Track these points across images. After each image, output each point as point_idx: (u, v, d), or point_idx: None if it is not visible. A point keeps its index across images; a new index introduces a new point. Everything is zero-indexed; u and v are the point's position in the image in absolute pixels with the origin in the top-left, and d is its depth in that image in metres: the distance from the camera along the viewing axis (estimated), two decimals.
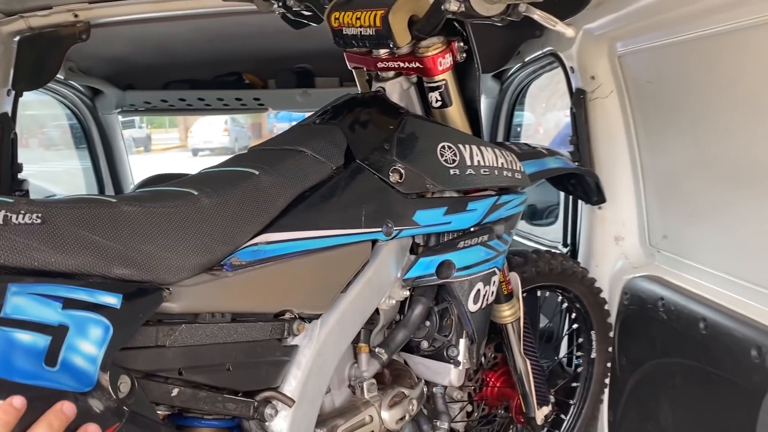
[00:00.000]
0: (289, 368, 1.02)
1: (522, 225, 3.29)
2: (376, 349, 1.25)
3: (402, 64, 1.38)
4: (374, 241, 1.20)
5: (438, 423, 1.38)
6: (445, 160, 1.28)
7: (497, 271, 1.42)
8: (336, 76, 2.86)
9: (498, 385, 2.01)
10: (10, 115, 2.02)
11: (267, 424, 0.96)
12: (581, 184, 2.12)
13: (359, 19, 1.31)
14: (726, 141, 1.70)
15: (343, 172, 1.15)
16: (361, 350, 1.23)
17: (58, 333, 0.68)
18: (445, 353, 1.34)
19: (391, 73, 1.42)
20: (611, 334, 2.19)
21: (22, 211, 0.71)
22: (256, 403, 0.94)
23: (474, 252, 1.34)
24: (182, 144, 20.80)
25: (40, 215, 0.73)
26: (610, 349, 2.20)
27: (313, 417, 1.03)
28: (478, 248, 1.35)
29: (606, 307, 2.17)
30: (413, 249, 1.30)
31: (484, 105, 3.11)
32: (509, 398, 2.01)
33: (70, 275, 0.73)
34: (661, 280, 2.00)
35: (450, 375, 1.34)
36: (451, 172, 1.28)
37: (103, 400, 0.71)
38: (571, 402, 2.25)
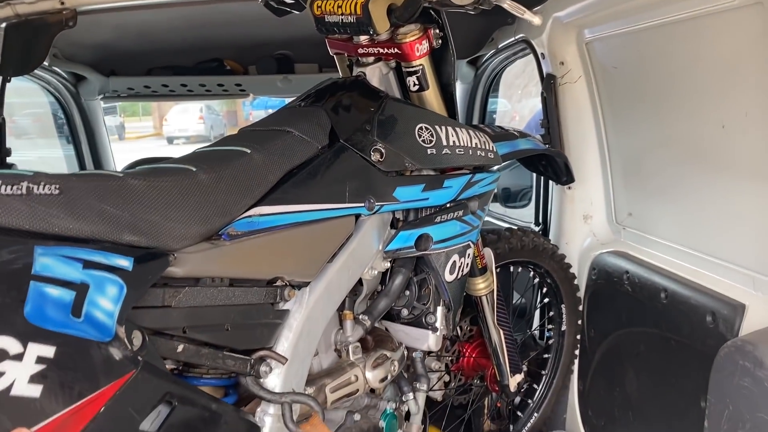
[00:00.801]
0: (282, 330, 1.11)
1: (497, 207, 3.40)
2: (360, 316, 1.34)
3: (381, 50, 1.46)
4: (357, 216, 1.29)
5: (418, 385, 1.49)
6: (423, 141, 1.37)
7: (472, 245, 1.52)
8: (315, 63, 2.92)
9: (474, 355, 2.12)
10: None
11: (262, 380, 1.05)
12: (552, 166, 2.23)
13: (340, 7, 1.39)
14: (682, 122, 1.82)
15: (328, 152, 1.24)
16: (346, 317, 1.32)
17: (80, 289, 0.76)
18: (423, 320, 1.44)
19: (371, 59, 1.50)
20: (580, 307, 2.31)
21: (42, 183, 0.79)
22: (252, 360, 1.03)
23: (450, 226, 1.44)
24: (157, 132, 20.62)
25: (58, 187, 0.80)
26: (579, 322, 2.32)
27: (304, 374, 1.12)
28: (453, 223, 1.45)
29: (575, 282, 2.29)
30: (394, 223, 1.39)
31: (460, 90, 3.20)
32: (484, 368, 2.13)
33: (85, 241, 0.81)
34: (626, 255, 2.13)
35: (428, 340, 1.45)
36: (428, 151, 1.37)
37: (121, 350, 0.79)
38: (543, 372, 2.37)
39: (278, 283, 1.10)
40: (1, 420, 0.63)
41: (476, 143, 1.49)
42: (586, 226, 2.36)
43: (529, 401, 2.37)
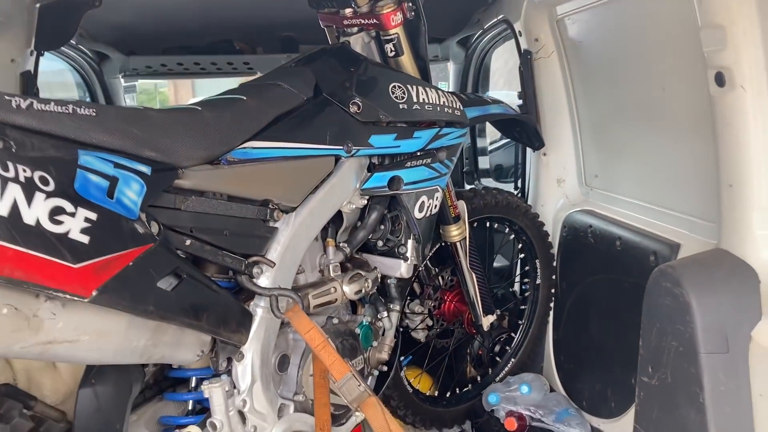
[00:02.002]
0: (271, 243, 1.35)
1: (489, 182, 3.62)
2: (341, 244, 1.59)
3: (363, 21, 1.71)
4: (337, 158, 1.54)
5: (391, 306, 1.74)
6: (396, 97, 1.61)
7: (440, 189, 1.76)
8: (317, 44, 3.16)
9: (454, 301, 2.36)
10: (32, 72, 2.33)
11: (254, 279, 1.30)
12: (526, 132, 2.46)
13: None
14: (635, 88, 2.05)
15: (312, 102, 1.48)
16: (329, 244, 1.57)
17: (112, 180, 1.01)
18: (396, 251, 1.69)
19: (355, 29, 1.75)
20: (554, 263, 2.55)
21: (83, 106, 1.04)
22: (246, 261, 1.28)
23: (419, 171, 1.68)
24: None
25: (95, 110, 1.05)
26: (553, 277, 2.55)
27: (289, 280, 1.37)
28: (422, 168, 1.69)
29: (549, 239, 2.52)
30: (370, 167, 1.64)
31: (453, 70, 3.44)
32: (462, 313, 2.37)
33: (115, 152, 1.06)
34: (592, 213, 2.36)
35: (401, 268, 1.69)
36: (401, 106, 1.61)
37: (143, 228, 1.04)
38: (520, 322, 2.61)
39: (269, 206, 1.35)
40: (63, 254, 0.88)
41: (444, 101, 1.73)
42: (560, 189, 2.58)
43: (507, 348, 2.61)
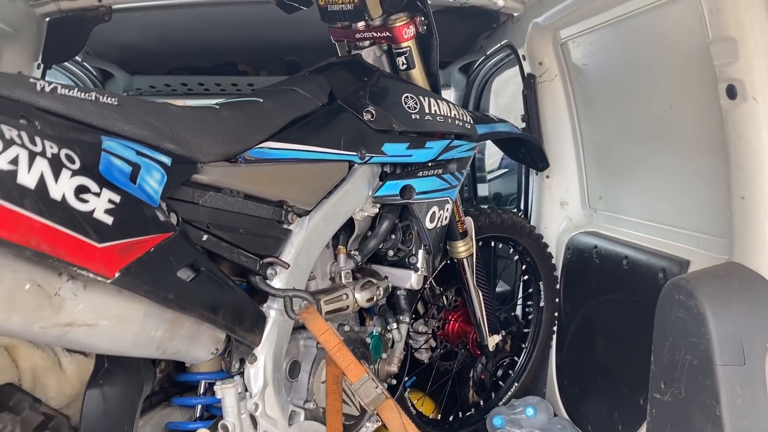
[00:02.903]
0: (285, 245, 1.33)
1: None
2: (352, 252, 1.57)
3: (375, 34, 1.73)
4: (351, 164, 1.53)
5: (401, 318, 1.71)
6: (408, 107, 1.62)
7: (450, 201, 1.76)
8: None
9: (458, 321, 2.34)
10: None
11: (268, 280, 1.28)
12: (530, 154, 2.48)
13: None
14: (639, 108, 2.07)
15: (327, 108, 1.49)
16: (340, 251, 1.55)
17: (135, 166, 0.99)
18: (407, 261, 1.67)
19: (367, 43, 1.77)
20: (557, 286, 2.53)
21: (105, 95, 1.03)
22: (261, 261, 1.26)
23: (430, 181, 1.68)
24: None
25: (117, 100, 1.05)
26: (557, 299, 2.54)
27: (302, 283, 1.35)
28: (433, 179, 1.69)
29: (552, 261, 2.52)
30: (382, 176, 1.64)
31: (454, 98, 3.47)
32: (467, 334, 2.34)
33: (136, 141, 1.05)
34: (596, 234, 2.36)
35: (411, 279, 1.67)
36: (413, 116, 1.62)
37: (164, 216, 1.03)
38: (524, 346, 2.58)
39: (284, 207, 1.34)
40: (88, 232, 0.86)
41: (455, 114, 1.74)
42: (563, 211, 2.59)
43: (511, 372, 2.57)
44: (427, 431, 2.24)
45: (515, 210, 3.07)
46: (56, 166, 0.85)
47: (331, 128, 1.46)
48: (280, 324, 1.28)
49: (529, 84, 2.55)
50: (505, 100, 4.26)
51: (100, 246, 0.88)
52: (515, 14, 2.52)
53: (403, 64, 1.74)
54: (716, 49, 1.49)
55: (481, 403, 2.53)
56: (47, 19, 2.31)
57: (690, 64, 1.72)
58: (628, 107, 2.15)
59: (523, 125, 2.62)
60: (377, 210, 1.61)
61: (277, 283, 1.28)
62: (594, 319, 2.32)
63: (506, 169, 4.14)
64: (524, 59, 2.56)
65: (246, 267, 1.24)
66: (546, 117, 2.56)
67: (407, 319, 1.72)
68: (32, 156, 0.82)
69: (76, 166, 0.88)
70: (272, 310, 1.28)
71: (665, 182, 2.01)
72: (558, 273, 2.53)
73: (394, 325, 1.69)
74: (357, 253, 1.58)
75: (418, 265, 1.67)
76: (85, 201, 0.88)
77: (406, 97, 1.63)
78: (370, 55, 1.77)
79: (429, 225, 1.67)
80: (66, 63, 2.76)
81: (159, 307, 1.03)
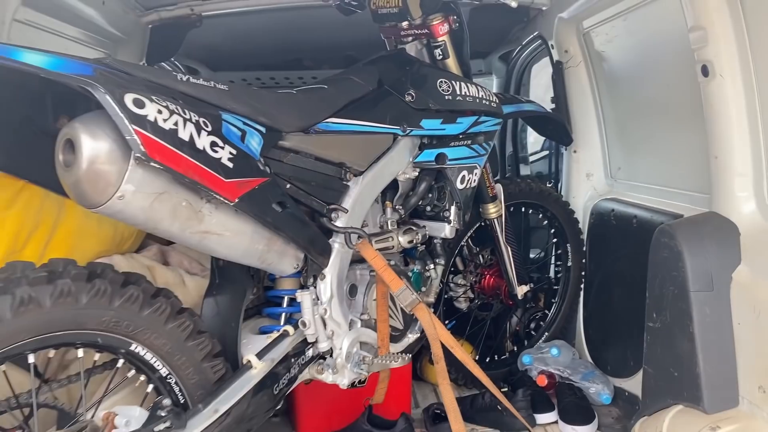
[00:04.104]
0: (345, 196, 1.75)
1: None
2: (397, 207, 1.98)
3: (416, 31, 2.12)
4: (395, 137, 1.94)
5: (437, 261, 2.11)
6: (442, 90, 2.01)
7: (478, 166, 2.14)
8: None
9: (492, 276, 2.72)
10: None
11: (332, 221, 1.70)
12: (556, 130, 2.83)
13: (388, 2, 2.07)
14: (650, 89, 2.40)
15: (376, 91, 1.90)
16: (387, 206, 1.97)
17: (243, 131, 1.42)
18: (441, 215, 2.07)
19: (410, 38, 2.16)
20: (584, 248, 2.87)
21: (219, 83, 1.48)
22: (327, 207, 1.68)
23: (461, 150, 2.07)
24: None
25: (227, 86, 1.49)
26: (583, 260, 2.88)
27: (358, 225, 1.77)
28: (463, 148, 2.08)
29: (579, 226, 2.86)
30: (421, 146, 2.04)
31: (496, 84, 3.83)
32: (500, 287, 2.71)
33: (242, 115, 1.49)
34: (615, 200, 2.69)
35: (445, 230, 2.07)
36: (446, 97, 2.01)
37: (262, 166, 1.46)
38: (554, 301, 2.94)
39: (344, 167, 1.76)
40: (219, 170, 1.30)
41: (482, 95, 2.12)
42: (589, 182, 2.92)
43: (542, 324, 2.94)
44: (464, 367, 2.64)
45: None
46: (198, 128, 1.29)
47: (380, 107, 1.87)
48: (341, 253, 1.71)
49: (557, 70, 2.90)
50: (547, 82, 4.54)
51: (226, 180, 1.32)
52: (544, 8, 2.87)
53: (439, 55, 2.14)
54: (692, 36, 1.82)
55: (515, 349, 2.90)
56: (150, 26, 2.82)
57: (685, 50, 2.05)
58: (639, 88, 2.48)
59: (553, 106, 2.96)
60: (417, 173, 2.02)
61: (339, 223, 1.71)
62: (613, 274, 2.66)
63: (547, 151, 4.45)
64: (552, 48, 2.91)
65: (316, 210, 1.67)
66: (572, 99, 2.90)
67: (442, 262, 2.12)
68: (184, 121, 1.26)
69: (209, 129, 1.32)
70: (336, 243, 1.71)
71: (668, 151, 2.34)
72: (584, 236, 2.87)
73: (431, 266, 2.09)
74: (401, 207, 1.99)
75: (451, 218, 2.06)
76: (216, 151, 1.31)
77: (441, 81, 2.02)
78: (412, 48, 2.17)
79: (459, 186, 2.07)
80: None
81: (261, 227, 1.46)
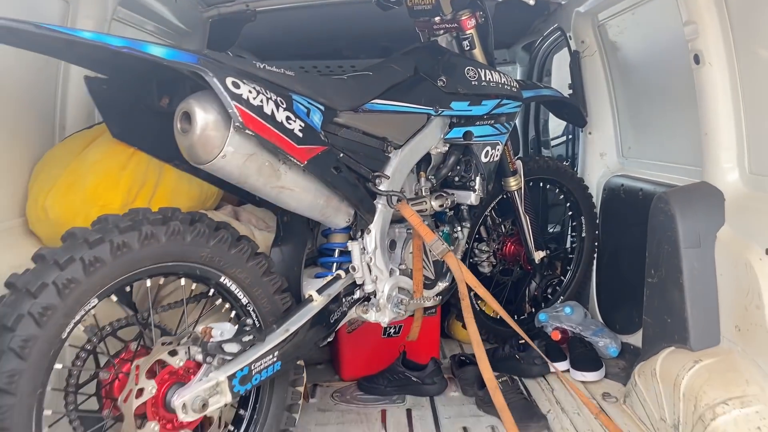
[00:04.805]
0: (386, 165, 2.07)
1: None
2: (429, 177, 2.32)
3: (447, 25, 2.44)
4: (429, 116, 2.27)
5: (464, 224, 2.43)
6: (469, 76, 2.33)
7: (500, 143, 2.46)
8: None
9: (513, 244, 3.04)
10: None
11: (376, 186, 2.03)
12: (572, 114, 3.13)
13: (423, 0, 2.40)
14: (657, 77, 2.69)
15: (413, 78, 2.22)
16: (422, 176, 2.30)
17: (308, 109, 1.76)
18: (467, 184, 2.39)
19: (441, 31, 2.48)
20: (597, 220, 3.18)
21: (287, 69, 1.82)
22: (372, 173, 2.02)
23: (485, 128, 2.39)
24: None
25: (293, 72, 1.83)
26: (596, 231, 3.19)
27: (397, 189, 2.10)
28: (488, 127, 2.40)
29: (592, 200, 3.16)
30: (451, 125, 2.36)
31: (520, 72, 4.13)
32: (520, 254, 3.04)
33: (305, 96, 1.83)
34: (625, 176, 2.99)
35: (471, 197, 2.39)
36: (473, 83, 2.33)
37: (323, 137, 1.80)
38: (569, 268, 3.25)
39: (386, 141, 2.10)
40: (293, 138, 1.64)
41: (504, 81, 2.44)
42: (602, 160, 3.22)
43: (558, 288, 3.25)
44: (487, 324, 2.97)
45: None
46: (276, 105, 1.63)
47: (416, 91, 2.20)
48: (383, 212, 2.04)
49: (575, 59, 3.19)
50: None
51: (298, 146, 1.65)
52: (562, 2, 3.17)
53: (467, 46, 2.46)
54: (686, 29, 2.12)
55: (533, 311, 3.23)
56: (210, 20, 3.18)
57: (682, 41, 2.34)
58: (647, 75, 2.77)
59: (570, 92, 3.26)
60: (447, 148, 2.34)
61: (382, 187, 2.05)
62: (622, 244, 2.96)
63: (565, 137, 4.74)
64: (570, 39, 3.20)
65: (363, 176, 2.01)
66: (588, 85, 3.19)
67: (468, 226, 2.44)
68: (267, 99, 1.60)
69: (284, 106, 1.66)
70: (379, 204, 2.05)
71: (670, 131, 2.63)
72: (597, 210, 3.18)
73: (458, 229, 2.42)
74: (433, 177, 2.32)
75: (476, 187, 2.39)
76: (290, 124, 1.65)
77: (468, 69, 2.34)
78: (443, 40, 2.49)
79: (484, 159, 2.39)
80: None
81: (322, 186, 1.80)
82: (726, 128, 2.07)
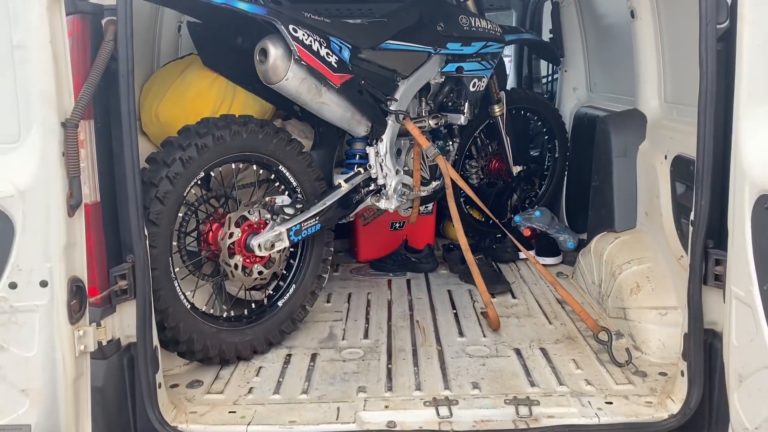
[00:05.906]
0: (397, 90, 2.77)
1: None
2: (429, 102, 3.03)
3: None
4: (429, 54, 2.96)
5: (454, 140, 3.17)
6: (462, 23, 3.00)
7: (485, 77, 3.16)
8: None
9: (497, 161, 3.78)
10: None
11: (388, 106, 2.76)
12: (548, 53, 3.83)
13: None
14: (618, 25, 3.36)
15: (418, 23, 2.90)
16: (422, 101, 3.02)
17: (340, 47, 2.45)
18: (458, 108, 3.11)
19: None
20: (568, 144, 3.90)
21: (323, 17, 2.51)
22: (386, 97, 2.74)
23: (473, 65, 3.09)
24: None
25: (328, 20, 2.52)
26: (567, 153, 3.91)
27: (404, 109, 2.83)
28: (475, 63, 3.09)
29: (565, 127, 3.88)
30: (446, 60, 3.05)
31: (514, 17, 4.77)
32: (503, 169, 3.79)
33: (337, 37, 2.53)
34: (589, 106, 3.70)
35: (461, 118, 3.11)
36: (464, 28, 3.01)
37: (350, 67, 2.51)
38: (543, 183, 4.00)
39: (396, 72, 2.80)
40: (331, 68, 2.36)
41: (490, 27, 3.11)
42: (575, 94, 3.93)
43: (534, 198, 4.01)
44: (473, 224, 3.75)
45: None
46: (320, 44, 2.33)
47: (420, 34, 2.88)
48: (392, 126, 2.77)
49: (555, 8, 3.85)
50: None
51: (333, 74, 2.37)
52: None
53: None
54: None
55: (513, 217, 3.99)
56: None
57: None
58: (610, 24, 3.44)
59: (551, 36, 3.93)
60: (443, 79, 3.05)
61: (392, 107, 2.77)
62: (585, 161, 3.68)
63: (550, 75, 5.38)
64: None
65: (378, 98, 2.73)
66: (565, 30, 3.86)
67: (458, 141, 3.18)
68: (314, 40, 2.30)
69: (325, 45, 2.36)
70: (390, 119, 2.77)
71: (622, 70, 3.32)
72: (568, 135, 3.89)
73: (450, 143, 3.16)
74: (431, 102, 3.05)
75: (465, 110, 3.10)
76: (329, 57, 2.36)
77: (461, 17, 3.02)
78: None
79: (471, 89, 3.10)
80: None
81: (350, 104, 2.52)
82: (651, 68, 2.76)
